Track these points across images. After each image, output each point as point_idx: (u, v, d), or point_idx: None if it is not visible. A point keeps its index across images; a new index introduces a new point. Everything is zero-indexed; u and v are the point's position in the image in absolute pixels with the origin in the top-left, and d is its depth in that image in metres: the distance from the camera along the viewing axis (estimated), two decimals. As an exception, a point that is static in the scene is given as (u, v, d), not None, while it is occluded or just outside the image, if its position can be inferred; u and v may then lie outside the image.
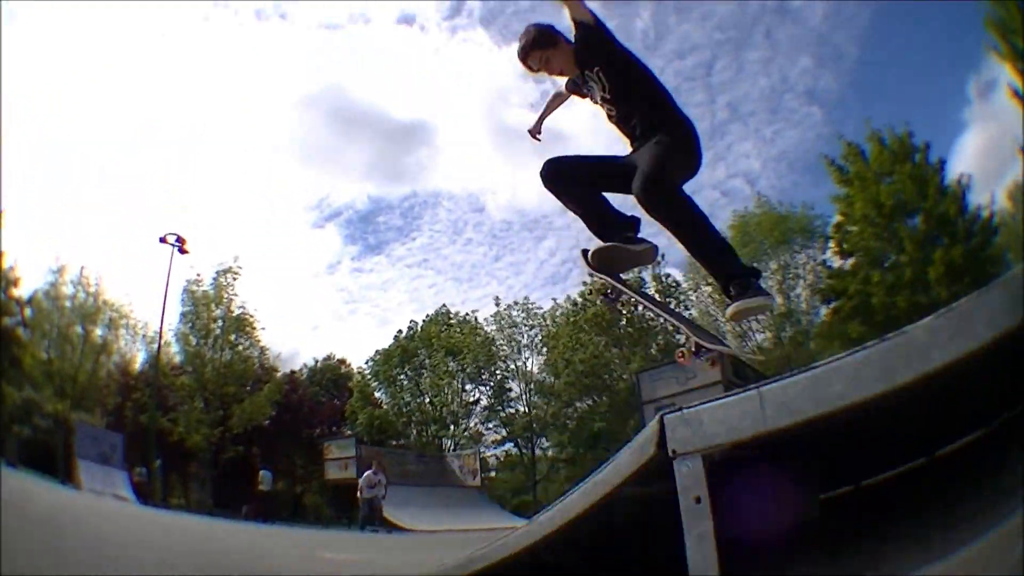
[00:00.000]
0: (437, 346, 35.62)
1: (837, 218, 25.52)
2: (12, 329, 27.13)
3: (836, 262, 26.20)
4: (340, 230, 69.10)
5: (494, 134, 61.95)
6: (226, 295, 31.54)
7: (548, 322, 34.32)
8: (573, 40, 3.18)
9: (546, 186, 3.27)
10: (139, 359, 33.15)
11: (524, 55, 3.25)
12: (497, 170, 64.50)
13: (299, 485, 37.83)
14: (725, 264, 2.97)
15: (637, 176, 2.90)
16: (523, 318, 35.23)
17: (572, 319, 31.63)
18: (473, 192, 69.27)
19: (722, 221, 32.10)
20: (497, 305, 36.03)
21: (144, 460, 25.78)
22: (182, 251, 28.52)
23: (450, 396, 35.14)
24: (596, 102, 3.29)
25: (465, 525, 18.58)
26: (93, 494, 17.00)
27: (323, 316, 66.85)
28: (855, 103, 48.23)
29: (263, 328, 32.58)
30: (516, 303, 35.80)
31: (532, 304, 35.60)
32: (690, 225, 2.93)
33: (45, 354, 28.43)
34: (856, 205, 23.84)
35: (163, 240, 28.30)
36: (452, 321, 37.33)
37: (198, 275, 31.44)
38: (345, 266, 66.96)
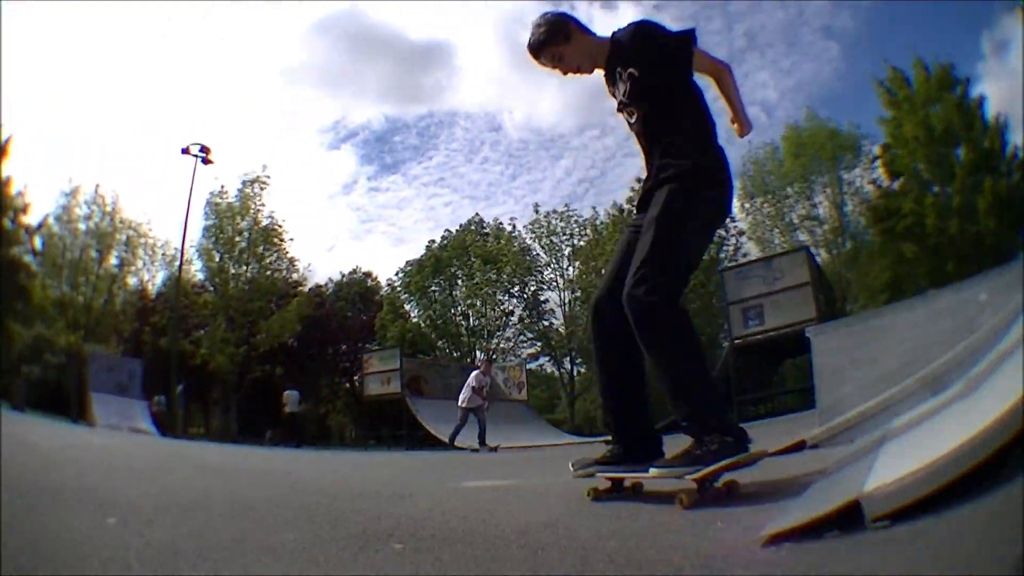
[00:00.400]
0: (473, 255, 34.15)
1: (886, 139, 25.26)
2: (19, 258, 25.39)
3: (885, 182, 26.18)
4: (356, 150, 67.64)
5: (511, 54, 59.76)
6: (253, 206, 29.69)
7: (589, 231, 32.81)
8: (619, 35, 2.62)
9: (591, 328, 2.74)
10: (158, 280, 31.59)
11: (536, 51, 2.72)
12: (514, 90, 63.53)
13: (323, 406, 36.78)
14: (708, 415, 2.30)
15: (630, 272, 2.40)
16: (562, 226, 33.64)
17: (619, 225, 29.52)
18: (490, 111, 68.04)
19: (738, 151, 29.76)
20: (536, 212, 34.51)
21: (164, 388, 24.35)
22: (206, 162, 26.63)
23: (486, 308, 33.84)
24: (617, 108, 2.73)
25: (536, 441, 17.31)
26: (108, 430, 15.82)
27: (339, 235, 67.90)
28: (869, 45, 46.47)
29: (291, 239, 31.06)
30: (555, 211, 34.20)
31: (572, 212, 34.05)
32: (674, 358, 2.35)
33: (56, 286, 26.89)
34: (905, 127, 23.66)
35: (186, 151, 26.43)
36: (486, 230, 35.88)
37: (223, 187, 29.65)
38: (361, 185, 67.29)
